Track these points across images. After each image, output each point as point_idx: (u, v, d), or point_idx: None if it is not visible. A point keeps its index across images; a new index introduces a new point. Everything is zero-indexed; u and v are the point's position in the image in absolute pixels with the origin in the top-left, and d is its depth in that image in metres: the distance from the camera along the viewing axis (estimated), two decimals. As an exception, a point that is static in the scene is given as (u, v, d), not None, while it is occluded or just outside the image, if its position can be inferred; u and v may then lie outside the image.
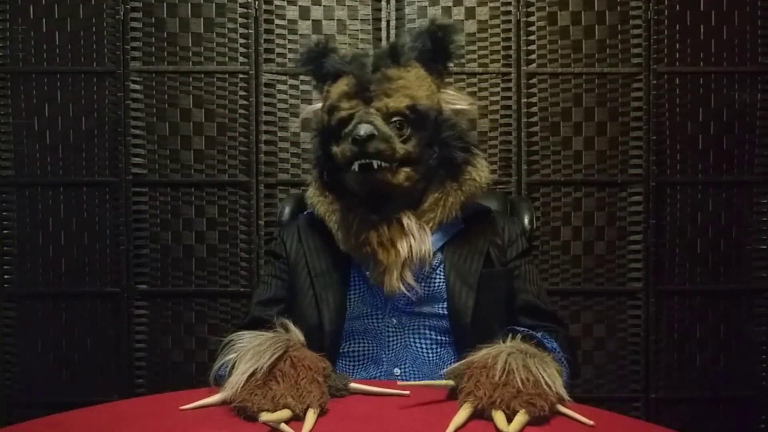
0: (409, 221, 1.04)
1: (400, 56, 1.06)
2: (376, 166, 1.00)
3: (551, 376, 0.79)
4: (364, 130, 0.98)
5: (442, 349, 1.06)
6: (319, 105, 1.16)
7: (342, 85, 1.06)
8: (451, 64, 1.15)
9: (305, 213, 1.22)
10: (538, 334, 0.97)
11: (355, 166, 1.01)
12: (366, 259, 1.05)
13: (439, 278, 1.07)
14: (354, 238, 1.04)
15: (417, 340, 1.06)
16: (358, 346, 1.07)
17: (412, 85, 1.05)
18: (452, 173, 1.07)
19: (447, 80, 1.15)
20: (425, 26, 1.10)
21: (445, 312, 1.05)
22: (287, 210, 1.40)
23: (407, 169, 1.05)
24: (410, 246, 1.02)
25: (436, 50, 1.09)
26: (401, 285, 1.00)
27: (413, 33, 1.11)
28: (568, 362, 0.99)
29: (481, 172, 1.10)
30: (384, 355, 1.05)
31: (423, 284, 1.05)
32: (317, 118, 1.16)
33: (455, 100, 1.12)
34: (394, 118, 1.04)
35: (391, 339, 1.06)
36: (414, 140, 1.05)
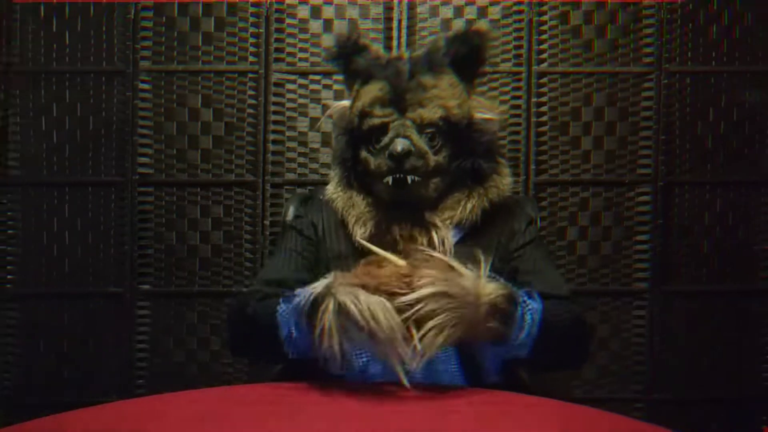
0: (430, 216, 1.07)
1: (436, 63, 1.08)
2: (410, 182, 1.02)
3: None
4: (401, 146, 1.00)
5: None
6: (346, 102, 1.17)
7: (375, 90, 1.07)
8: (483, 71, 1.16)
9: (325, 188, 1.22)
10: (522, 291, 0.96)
11: (389, 180, 1.03)
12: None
13: None
14: (375, 230, 1.06)
15: None
16: None
17: (445, 94, 1.06)
18: (478, 180, 1.10)
19: (479, 87, 1.17)
20: (461, 31, 1.12)
21: None
22: (291, 209, 1.39)
23: (436, 180, 1.07)
24: (430, 238, 1.04)
25: (471, 56, 1.10)
26: None
27: (448, 38, 1.11)
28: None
29: (504, 179, 1.13)
30: None
31: None
32: (344, 117, 1.16)
33: (485, 109, 1.14)
34: (427, 130, 1.06)
35: None
36: (444, 151, 1.07)
